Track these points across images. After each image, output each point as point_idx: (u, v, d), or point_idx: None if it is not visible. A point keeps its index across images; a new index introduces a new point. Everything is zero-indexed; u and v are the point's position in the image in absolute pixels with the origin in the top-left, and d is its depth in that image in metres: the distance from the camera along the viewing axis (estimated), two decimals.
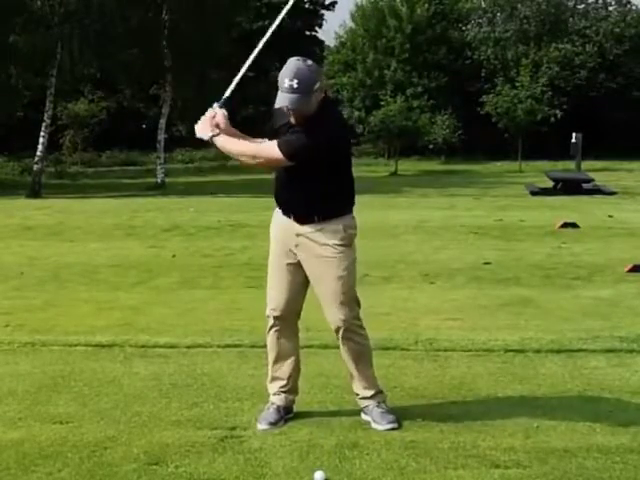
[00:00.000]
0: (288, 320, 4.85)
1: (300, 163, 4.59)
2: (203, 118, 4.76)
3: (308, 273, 4.75)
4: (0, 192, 29.21)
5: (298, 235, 4.73)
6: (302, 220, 4.71)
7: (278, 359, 4.87)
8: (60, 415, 4.91)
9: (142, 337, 6.85)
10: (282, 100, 4.51)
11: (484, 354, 6.22)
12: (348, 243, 4.73)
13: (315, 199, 4.66)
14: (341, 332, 4.72)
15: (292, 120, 4.65)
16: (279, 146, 4.57)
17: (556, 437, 4.51)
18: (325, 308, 4.75)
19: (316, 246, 4.69)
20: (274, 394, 4.86)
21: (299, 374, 4.93)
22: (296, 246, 4.74)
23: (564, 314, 7.96)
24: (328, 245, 4.69)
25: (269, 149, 4.63)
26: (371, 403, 4.77)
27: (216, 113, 4.76)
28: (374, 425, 4.68)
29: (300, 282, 4.80)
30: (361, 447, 4.36)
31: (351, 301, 4.73)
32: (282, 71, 4.52)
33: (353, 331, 4.74)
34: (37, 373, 5.80)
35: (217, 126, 4.73)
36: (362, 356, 4.81)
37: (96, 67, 36.93)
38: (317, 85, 4.54)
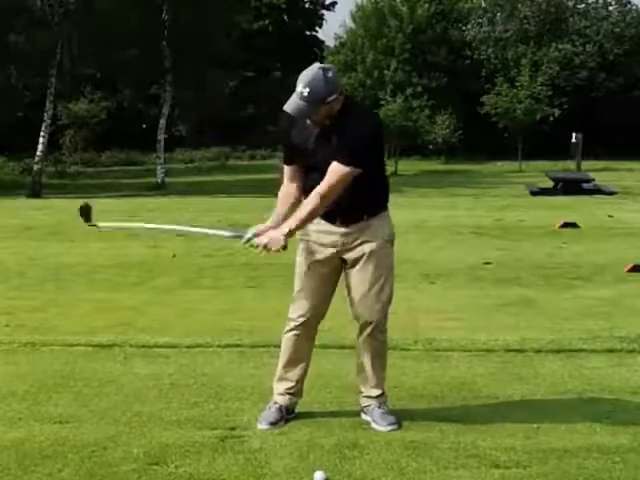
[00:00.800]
0: (311, 326, 4.84)
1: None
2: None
3: (353, 270, 4.70)
4: (0, 192, 29.22)
5: (344, 235, 4.68)
6: (349, 220, 4.66)
7: (291, 362, 4.85)
8: (60, 415, 4.91)
9: (142, 337, 6.84)
10: (289, 104, 4.48)
11: (484, 354, 6.22)
12: (393, 239, 4.78)
13: (361, 197, 4.61)
14: (369, 328, 4.72)
15: (312, 124, 4.56)
16: (342, 163, 4.47)
17: (556, 437, 4.51)
18: (359, 303, 4.71)
19: (364, 243, 4.68)
20: (279, 394, 4.84)
21: (306, 377, 4.93)
22: (342, 244, 4.68)
23: (564, 314, 7.96)
24: (376, 241, 4.70)
25: (338, 175, 4.48)
26: (373, 403, 4.76)
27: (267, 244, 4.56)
28: (374, 425, 4.68)
29: (332, 289, 4.79)
30: (361, 447, 4.36)
31: (387, 299, 4.76)
32: (301, 73, 4.50)
33: (380, 330, 4.76)
34: (37, 373, 5.79)
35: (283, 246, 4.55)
36: (381, 355, 4.83)
37: (96, 67, 36.96)
38: (332, 97, 4.46)
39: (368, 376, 4.81)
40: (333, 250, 4.71)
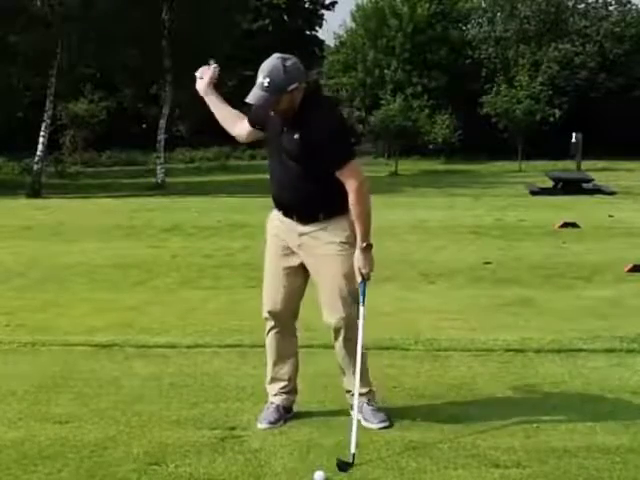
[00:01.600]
0: (285, 322, 4.84)
1: (305, 161, 4.57)
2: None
3: (312, 272, 4.72)
4: (0, 192, 29.21)
5: (301, 235, 4.70)
6: (306, 220, 4.67)
7: (278, 360, 4.86)
8: (60, 415, 4.91)
9: (142, 337, 6.85)
10: (251, 96, 4.52)
11: (484, 354, 6.22)
12: (352, 241, 4.69)
13: (319, 197, 4.62)
14: (343, 330, 4.70)
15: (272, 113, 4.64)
16: (344, 162, 4.59)
17: (556, 437, 4.51)
18: (327, 306, 4.70)
19: (321, 244, 4.66)
20: (275, 395, 4.85)
21: (298, 374, 4.93)
22: (299, 246, 4.71)
23: (564, 314, 7.96)
24: (334, 243, 4.66)
25: (357, 171, 4.63)
26: (362, 400, 4.75)
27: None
28: (365, 423, 4.67)
29: (298, 285, 4.78)
30: (361, 447, 4.35)
31: (354, 299, 4.72)
32: (261, 65, 4.54)
33: (353, 330, 4.72)
34: (37, 373, 5.80)
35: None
36: (358, 353, 4.80)
37: (96, 67, 36.94)
38: (293, 86, 4.50)
39: (352, 375, 4.78)
40: (293, 248, 4.73)
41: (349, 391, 4.83)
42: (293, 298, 4.80)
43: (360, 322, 4.60)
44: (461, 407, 5.02)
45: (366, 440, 4.46)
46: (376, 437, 4.51)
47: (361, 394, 4.75)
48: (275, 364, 4.87)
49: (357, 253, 4.60)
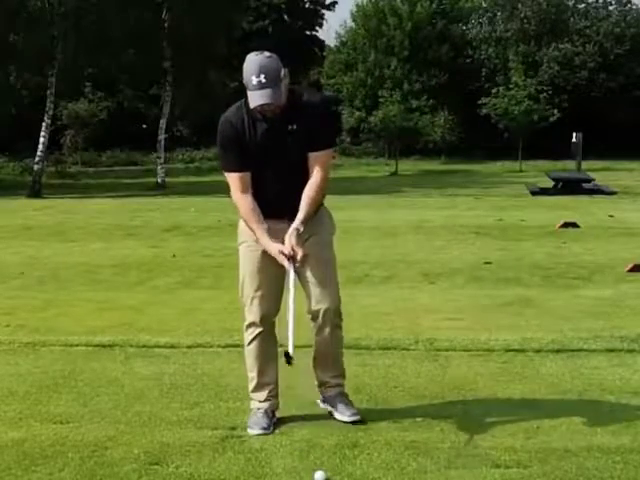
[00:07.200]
0: (272, 324, 4.83)
1: (299, 152, 4.58)
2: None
3: (306, 265, 4.64)
4: (0, 192, 29.22)
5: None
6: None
7: (266, 365, 4.81)
8: (61, 415, 4.91)
9: (142, 337, 6.84)
10: (257, 99, 4.46)
11: (484, 354, 6.22)
12: (334, 230, 4.80)
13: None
14: (331, 316, 4.69)
15: (266, 114, 4.56)
16: (325, 147, 4.62)
17: (557, 437, 4.50)
18: (316, 294, 4.67)
19: (311, 236, 4.65)
20: (263, 401, 4.79)
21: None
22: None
23: (564, 314, 7.96)
24: (322, 232, 4.72)
25: (328, 161, 4.64)
26: (336, 392, 4.78)
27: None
28: (337, 415, 4.71)
29: (283, 286, 4.71)
30: (361, 447, 4.36)
31: (337, 287, 4.75)
32: (245, 70, 4.50)
33: (339, 317, 4.75)
34: (37, 373, 5.80)
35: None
36: (341, 343, 4.84)
37: (95, 67, 36.93)
38: (283, 72, 4.52)
39: (331, 366, 4.81)
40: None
41: (325, 384, 4.82)
42: (279, 300, 4.78)
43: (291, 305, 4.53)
44: (461, 407, 5.02)
45: (366, 440, 4.46)
46: (376, 437, 4.51)
47: (341, 384, 4.81)
48: (262, 370, 4.82)
49: (294, 234, 4.53)
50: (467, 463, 4.16)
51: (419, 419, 4.77)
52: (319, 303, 4.70)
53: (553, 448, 4.34)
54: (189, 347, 6.48)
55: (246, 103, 4.58)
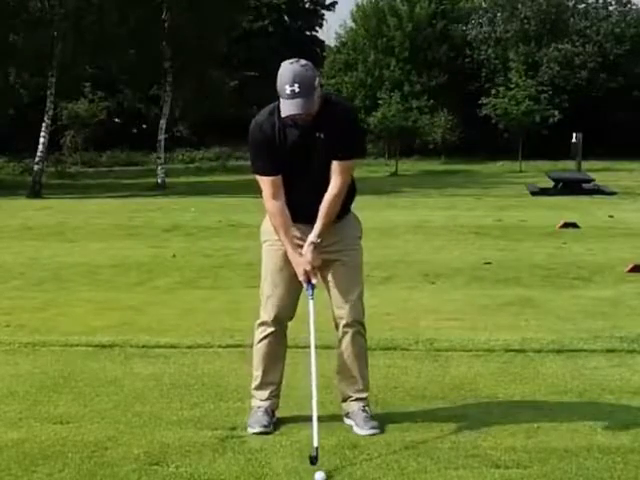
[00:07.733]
0: (285, 325, 4.82)
1: (322, 163, 4.56)
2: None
3: (331, 271, 4.66)
4: (0, 192, 29.21)
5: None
6: None
7: (272, 365, 4.81)
8: (60, 415, 4.91)
9: (142, 337, 6.84)
10: (289, 108, 4.42)
11: (484, 354, 6.22)
12: (361, 233, 4.79)
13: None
14: (355, 327, 4.69)
15: (298, 122, 4.52)
16: (348, 157, 4.59)
17: (557, 437, 4.50)
18: (343, 302, 4.67)
19: (337, 242, 4.66)
20: (265, 399, 4.79)
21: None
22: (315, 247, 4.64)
23: (564, 314, 7.96)
24: (350, 237, 4.71)
25: (349, 170, 4.63)
26: (359, 406, 4.72)
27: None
28: (356, 429, 4.62)
29: (301, 289, 4.73)
30: (361, 447, 4.36)
31: (362, 296, 4.74)
32: (279, 78, 4.45)
33: (364, 326, 4.74)
34: (37, 373, 5.80)
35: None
36: (365, 355, 4.80)
37: (95, 67, 36.94)
38: (317, 81, 4.51)
39: (357, 378, 4.77)
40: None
41: (348, 398, 4.77)
42: (296, 302, 4.79)
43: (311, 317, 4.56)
44: (461, 407, 5.02)
45: (366, 440, 4.46)
46: (376, 437, 4.51)
47: (360, 399, 4.74)
48: (267, 369, 4.81)
49: (310, 248, 4.55)
50: (467, 463, 4.16)
51: (419, 419, 4.77)
52: (345, 316, 4.69)
53: (553, 448, 4.34)
54: (189, 347, 6.48)
55: (278, 108, 4.53)
